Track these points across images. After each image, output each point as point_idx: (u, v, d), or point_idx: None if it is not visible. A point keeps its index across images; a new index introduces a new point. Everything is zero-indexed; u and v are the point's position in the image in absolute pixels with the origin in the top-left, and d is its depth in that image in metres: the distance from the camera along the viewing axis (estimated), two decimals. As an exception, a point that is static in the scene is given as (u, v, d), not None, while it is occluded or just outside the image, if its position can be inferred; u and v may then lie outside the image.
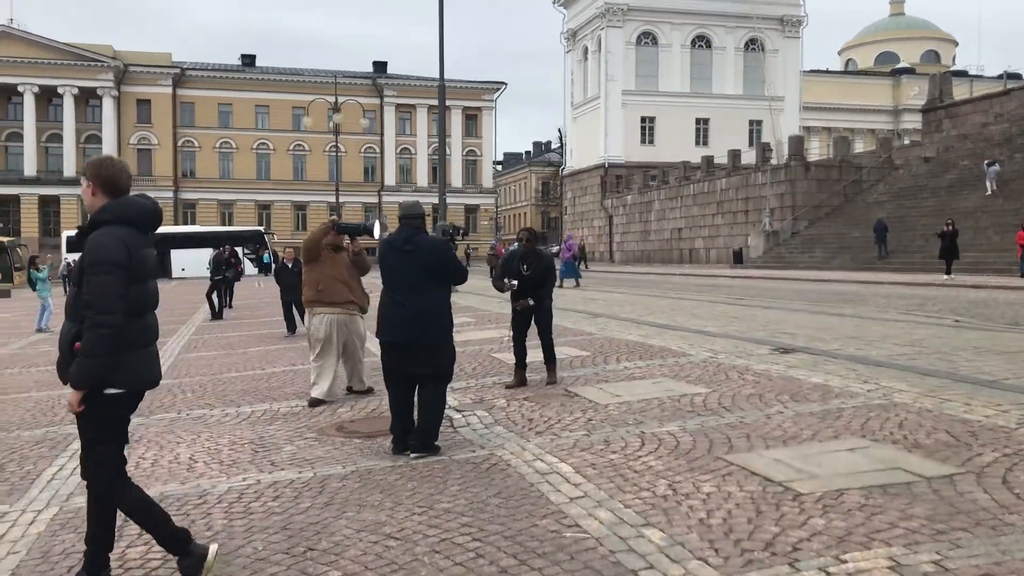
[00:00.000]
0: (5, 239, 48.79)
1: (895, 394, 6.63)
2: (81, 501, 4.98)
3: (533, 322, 8.12)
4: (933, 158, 40.20)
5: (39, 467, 5.81)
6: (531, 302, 7.96)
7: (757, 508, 4.21)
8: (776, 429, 5.71)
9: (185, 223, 66.16)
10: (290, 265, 14.53)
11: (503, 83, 76.41)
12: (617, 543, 3.85)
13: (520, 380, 8.01)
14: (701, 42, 64.32)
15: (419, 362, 5.63)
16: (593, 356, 9.42)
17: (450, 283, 5.89)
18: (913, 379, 7.33)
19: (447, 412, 6.78)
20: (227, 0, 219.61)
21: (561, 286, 23.98)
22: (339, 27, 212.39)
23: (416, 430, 5.65)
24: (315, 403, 7.53)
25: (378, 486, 4.93)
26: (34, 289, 17.74)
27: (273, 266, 16.41)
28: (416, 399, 5.73)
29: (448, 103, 70.72)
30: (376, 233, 7.88)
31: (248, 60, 74.31)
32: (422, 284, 5.65)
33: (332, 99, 43.50)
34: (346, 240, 7.87)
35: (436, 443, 5.67)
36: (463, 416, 6.68)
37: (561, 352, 8.89)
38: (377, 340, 5.92)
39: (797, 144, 42.91)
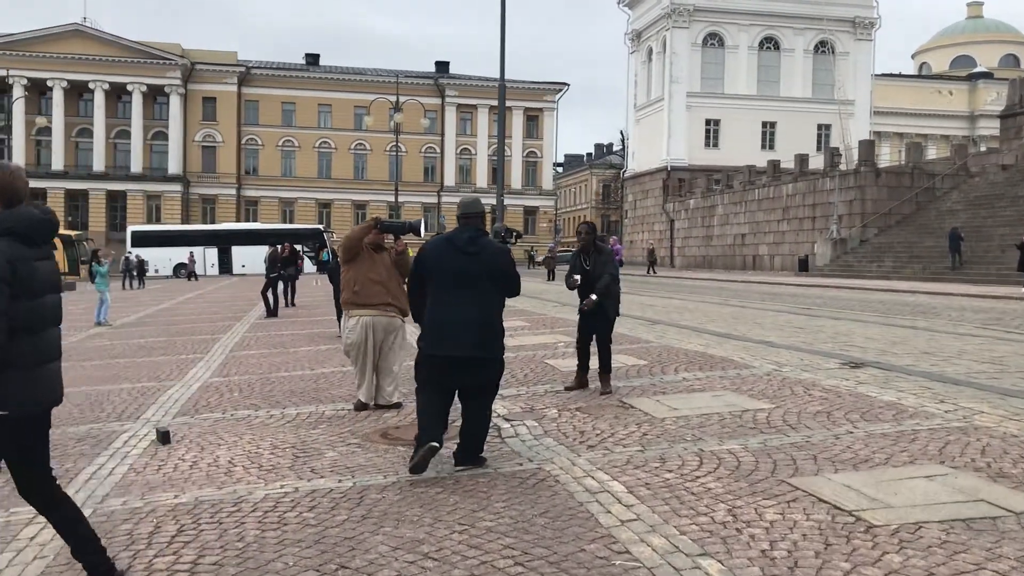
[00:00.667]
0: (72, 232, 50.15)
1: (976, 416, 6.16)
2: (116, 503, 4.86)
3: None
4: (1012, 165, 38.68)
5: (79, 465, 5.70)
6: (593, 297, 7.63)
7: (825, 540, 3.85)
8: (846, 451, 5.32)
9: (247, 220, 67.24)
10: None
11: (565, 84, 76.15)
12: (671, 574, 3.55)
13: (580, 383, 7.84)
14: (769, 44, 63.05)
15: (473, 376, 5.22)
16: (650, 365, 9.06)
17: (507, 294, 5.45)
18: (995, 400, 6.84)
19: (495, 421, 6.54)
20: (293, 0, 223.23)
21: None
22: (405, 27, 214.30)
23: (462, 443, 5.37)
24: (361, 407, 7.33)
25: (419, 499, 4.69)
26: (93, 282, 17.96)
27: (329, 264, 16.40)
28: (463, 411, 5.39)
29: (509, 104, 71.07)
30: (422, 232, 7.66)
31: (312, 59, 75.22)
32: (486, 291, 5.23)
33: (394, 99, 43.67)
34: (388, 239, 7.63)
35: (482, 455, 5.41)
36: (512, 426, 6.41)
37: (617, 360, 8.56)
38: (421, 347, 5.35)
39: (867, 149, 41.72)
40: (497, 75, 25.63)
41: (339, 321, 14.19)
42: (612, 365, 7.90)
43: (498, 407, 7.08)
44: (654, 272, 44.92)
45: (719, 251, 52.37)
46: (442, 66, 77.35)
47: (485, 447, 5.52)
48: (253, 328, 15.83)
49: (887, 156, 56.77)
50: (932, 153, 64.42)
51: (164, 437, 6.30)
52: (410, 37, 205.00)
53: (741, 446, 5.53)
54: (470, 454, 5.31)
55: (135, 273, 38.27)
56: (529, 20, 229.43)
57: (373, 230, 7.48)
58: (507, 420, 6.59)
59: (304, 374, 9.61)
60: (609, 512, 4.31)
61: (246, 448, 6.05)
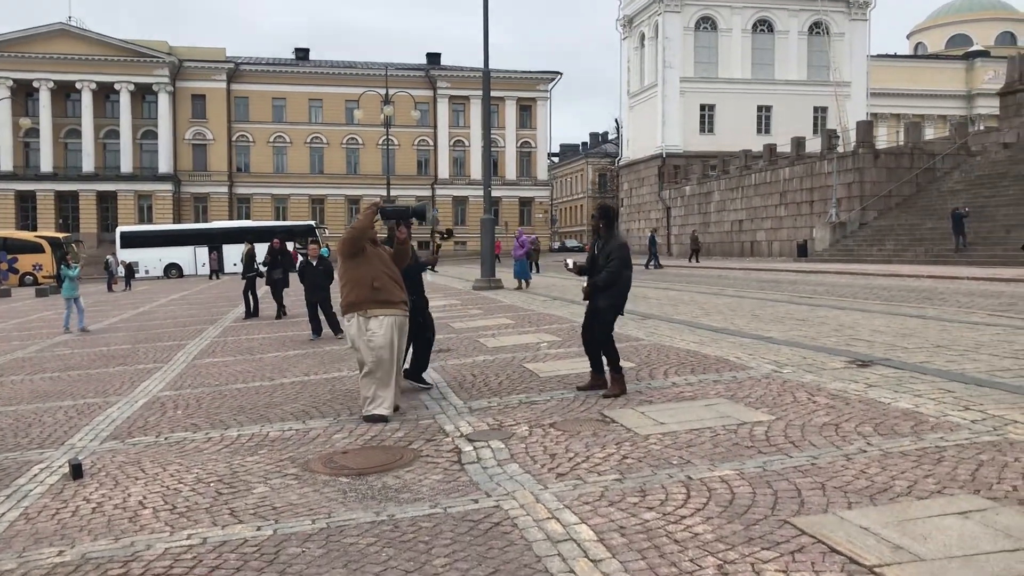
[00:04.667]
0: (60, 235, 49.22)
1: (1009, 427, 5.33)
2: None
3: None
4: (1014, 144, 37.83)
5: (-37, 511, 4.88)
6: (584, 281, 7.35)
7: (841, 609, 3.04)
8: (859, 477, 4.50)
9: (239, 218, 66.25)
10: (315, 263, 13.59)
11: (558, 73, 75.06)
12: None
13: (596, 383, 7.31)
14: (762, 26, 61.99)
15: None
16: (638, 368, 8.24)
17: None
18: (1025, 404, 6.01)
19: (456, 443, 5.78)
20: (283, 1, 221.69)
21: (519, 287, 23.04)
22: (397, 20, 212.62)
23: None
24: (378, 419, 6.58)
25: (344, 554, 3.87)
26: (60, 285, 17.02)
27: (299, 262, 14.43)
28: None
29: (501, 94, 70.16)
30: (428, 217, 7.01)
31: (302, 54, 74.10)
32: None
33: (384, 92, 42.72)
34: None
35: None
36: (474, 449, 5.59)
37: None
38: None
39: (865, 130, 40.80)
40: (491, 66, 24.73)
41: (312, 323, 13.37)
42: (605, 365, 7.31)
43: (462, 424, 6.29)
44: (697, 260, 42.71)
45: (717, 238, 51.52)
46: (433, 58, 76.24)
47: (443, 475, 5.00)
48: (225, 332, 15.00)
49: (885, 137, 55.93)
50: (930, 133, 63.37)
51: (76, 471, 5.50)
52: (402, 30, 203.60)
53: (736, 472, 4.72)
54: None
55: (118, 274, 37.38)
56: (523, 10, 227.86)
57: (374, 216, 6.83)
58: (470, 441, 5.78)
59: (261, 386, 8.79)
60: (572, 573, 3.49)
61: (166, 483, 5.23)
